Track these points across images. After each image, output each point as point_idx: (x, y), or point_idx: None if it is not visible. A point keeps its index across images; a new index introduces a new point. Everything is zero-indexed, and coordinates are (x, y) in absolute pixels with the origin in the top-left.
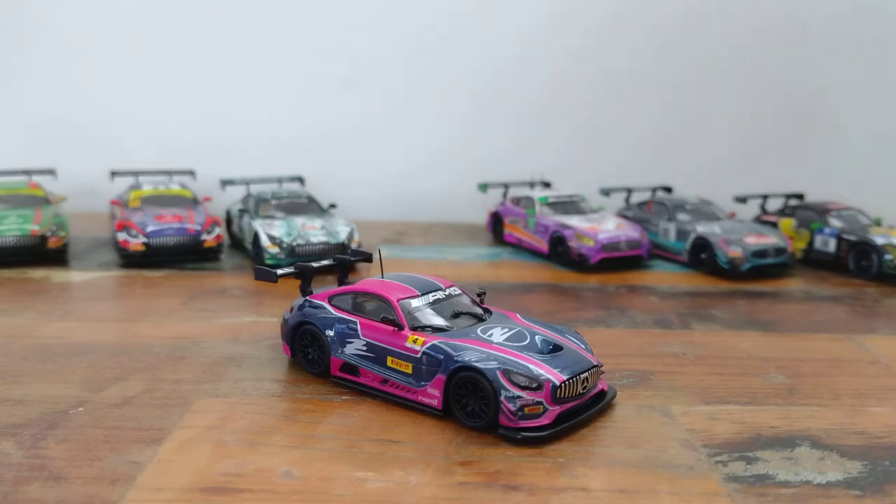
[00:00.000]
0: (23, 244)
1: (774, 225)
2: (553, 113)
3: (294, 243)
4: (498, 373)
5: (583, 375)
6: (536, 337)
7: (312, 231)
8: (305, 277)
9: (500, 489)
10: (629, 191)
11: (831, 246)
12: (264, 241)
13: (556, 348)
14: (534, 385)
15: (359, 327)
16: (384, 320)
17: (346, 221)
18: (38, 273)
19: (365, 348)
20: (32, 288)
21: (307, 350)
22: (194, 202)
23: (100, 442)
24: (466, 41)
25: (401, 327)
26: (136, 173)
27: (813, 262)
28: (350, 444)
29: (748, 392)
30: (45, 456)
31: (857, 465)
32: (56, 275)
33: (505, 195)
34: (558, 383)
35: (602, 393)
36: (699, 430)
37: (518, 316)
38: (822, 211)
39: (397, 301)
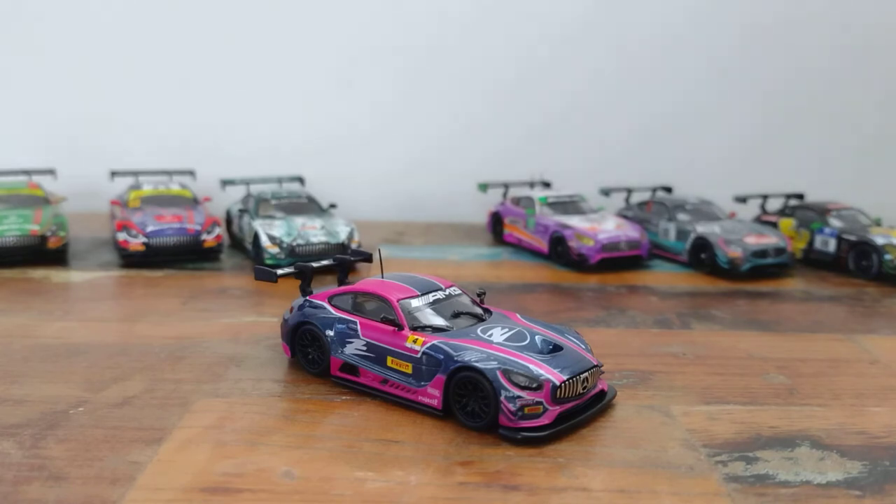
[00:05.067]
0: (23, 244)
1: (774, 225)
2: (553, 113)
3: (294, 243)
4: (498, 373)
5: (583, 375)
6: (536, 337)
7: (312, 231)
8: (305, 277)
9: (500, 489)
10: (629, 191)
11: (831, 246)
12: (264, 241)
13: (556, 348)
14: (534, 385)
15: (359, 327)
16: (384, 320)
17: (346, 221)
18: (38, 273)
19: (365, 348)
20: (32, 288)
21: (307, 350)
22: (194, 202)
23: (100, 442)
24: (466, 42)
25: (401, 327)
26: (136, 173)
27: (813, 262)
28: (350, 444)
29: (748, 392)
30: (45, 456)
31: (857, 465)
32: (56, 275)
33: (505, 195)
34: (558, 383)
35: (602, 393)
36: (699, 430)
37: (518, 316)
38: (822, 211)
39: (397, 301)
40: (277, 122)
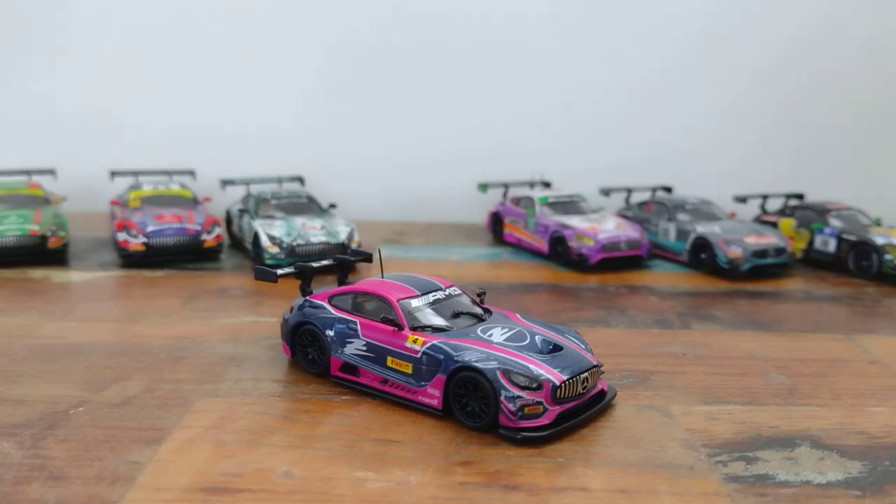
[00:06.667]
0: (23, 244)
1: (774, 225)
2: (554, 113)
3: (294, 243)
4: (498, 373)
5: (583, 375)
6: (536, 337)
7: (312, 231)
8: (305, 277)
9: (500, 489)
10: (629, 191)
11: (831, 246)
12: (264, 241)
13: (556, 348)
14: (534, 385)
15: (359, 327)
16: (384, 320)
17: (346, 221)
18: (38, 273)
19: (365, 348)
20: (32, 288)
21: (307, 350)
22: (194, 202)
23: (100, 442)
24: (467, 41)
25: (401, 327)
26: (136, 173)
27: (813, 262)
28: (350, 444)
29: (748, 392)
30: (45, 456)
31: (857, 465)
32: (56, 275)
33: (505, 195)
34: (558, 383)
35: (602, 393)
36: (699, 430)
37: (518, 316)
38: (822, 211)
39: (397, 301)
40: (278, 122)
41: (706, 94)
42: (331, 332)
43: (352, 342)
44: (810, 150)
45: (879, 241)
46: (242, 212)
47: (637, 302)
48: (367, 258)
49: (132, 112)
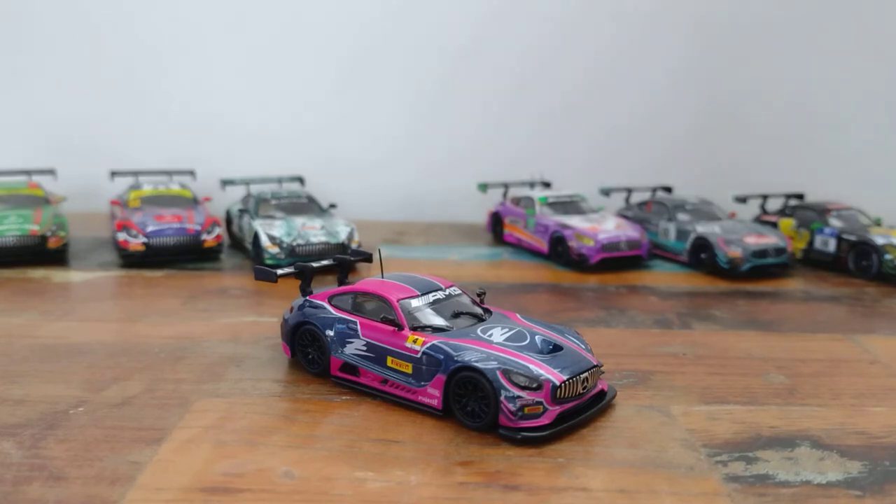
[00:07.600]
0: (23, 244)
1: (774, 225)
2: (554, 113)
3: (294, 243)
4: (498, 373)
5: (583, 375)
6: (536, 337)
7: (312, 231)
8: (305, 277)
9: (500, 489)
10: (629, 191)
11: (831, 246)
12: (264, 241)
13: (556, 348)
14: (534, 385)
15: (359, 327)
16: (384, 320)
17: (346, 221)
18: (38, 273)
19: (365, 348)
20: (32, 288)
21: (307, 350)
22: (194, 202)
23: (100, 442)
24: (468, 43)
25: (401, 327)
26: (136, 173)
27: (813, 262)
28: (350, 444)
29: (748, 392)
30: (45, 456)
31: (857, 465)
32: (56, 275)
33: (505, 195)
34: (558, 383)
35: (602, 393)
36: (699, 430)
37: (518, 316)
38: (822, 211)
39: (397, 301)
40: (278, 122)
41: (707, 94)
42: (331, 332)
43: (352, 342)
44: (810, 150)
45: (879, 241)
46: (242, 212)
47: (637, 302)
48: (367, 258)
49: (132, 112)
